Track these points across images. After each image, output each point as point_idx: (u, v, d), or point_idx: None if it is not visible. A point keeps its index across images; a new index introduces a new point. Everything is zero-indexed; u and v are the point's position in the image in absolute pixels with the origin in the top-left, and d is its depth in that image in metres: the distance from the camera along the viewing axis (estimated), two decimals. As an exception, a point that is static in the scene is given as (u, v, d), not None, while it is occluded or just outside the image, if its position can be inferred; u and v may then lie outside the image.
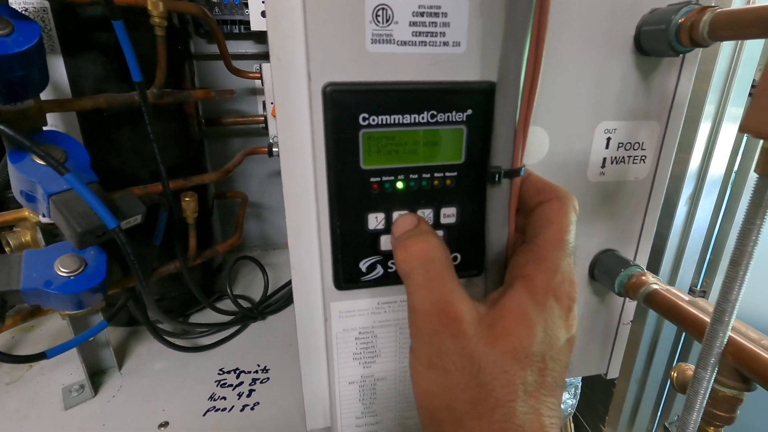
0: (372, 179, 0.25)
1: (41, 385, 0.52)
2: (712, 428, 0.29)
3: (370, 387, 0.31)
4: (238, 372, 0.55)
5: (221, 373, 0.54)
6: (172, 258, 0.56)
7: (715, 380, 0.27)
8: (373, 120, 0.24)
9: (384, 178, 0.25)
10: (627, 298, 0.35)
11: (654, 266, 0.52)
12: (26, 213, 0.41)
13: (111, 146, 0.50)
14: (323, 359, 0.31)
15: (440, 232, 0.27)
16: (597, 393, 0.67)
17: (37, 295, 0.37)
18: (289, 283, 0.67)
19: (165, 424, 0.47)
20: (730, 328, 0.24)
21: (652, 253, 0.51)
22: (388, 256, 0.27)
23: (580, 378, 0.56)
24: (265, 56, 0.76)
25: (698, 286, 0.54)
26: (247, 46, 0.76)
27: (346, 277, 0.27)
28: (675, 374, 0.36)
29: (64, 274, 0.37)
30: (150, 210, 0.45)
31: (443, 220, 0.27)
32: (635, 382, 0.57)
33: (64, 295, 0.37)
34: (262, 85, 0.70)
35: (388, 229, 0.27)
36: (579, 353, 0.37)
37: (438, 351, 0.20)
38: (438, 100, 0.24)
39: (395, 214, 0.26)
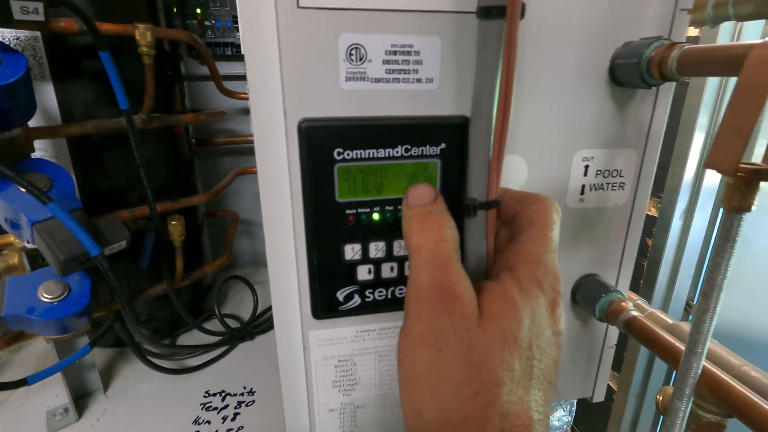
0: (348, 211, 0.25)
1: (25, 409, 0.52)
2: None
3: (350, 414, 0.31)
4: (224, 395, 0.54)
5: (207, 395, 0.54)
6: (161, 279, 0.55)
7: (698, 406, 0.27)
8: (348, 154, 0.24)
9: (360, 210, 0.25)
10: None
11: (650, 281, 0.52)
12: (12, 238, 0.41)
13: (100, 169, 0.51)
14: (304, 386, 0.31)
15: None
16: (595, 409, 0.66)
17: (20, 321, 0.37)
18: (280, 302, 0.67)
19: (149, 450, 0.46)
20: (703, 359, 0.24)
21: (648, 267, 0.51)
22: (365, 285, 0.27)
23: (573, 396, 0.56)
24: (257, 76, 0.76)
25: (695, 301, 0.54)
26: (239, 68, 0.77)
27: (324, 306, 0.27)
28: (660, 398, 0.36)
29: (47, 300, 0.37)
30: (138, 232, 0.45)
31: (420, 251, 0.27)
32: (633, 397, 0.56)
33: (47, 320, 0.37)
34: (254, 105, 0.71)
35: (365, 260, 0.27)
36: (564, 377, 0.37)
37: (433, 329, 0.20)
38: (412, 135, 0.25)
39: (372, 244, 0.26)
